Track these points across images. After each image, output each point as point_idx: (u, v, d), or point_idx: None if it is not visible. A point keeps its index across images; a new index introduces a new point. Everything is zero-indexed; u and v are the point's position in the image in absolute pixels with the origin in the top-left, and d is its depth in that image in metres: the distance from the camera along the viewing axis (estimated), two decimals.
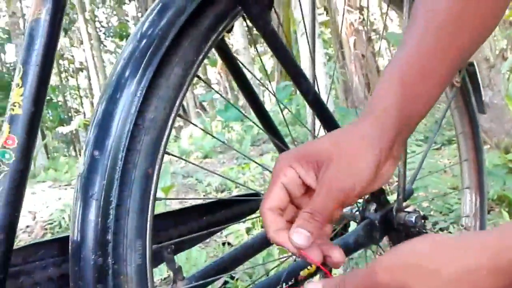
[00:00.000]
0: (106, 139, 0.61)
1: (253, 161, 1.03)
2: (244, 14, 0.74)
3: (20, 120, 0.57)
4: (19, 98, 0.57)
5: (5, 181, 0.56)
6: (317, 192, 0.52)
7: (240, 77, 0.88)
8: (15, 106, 0.57)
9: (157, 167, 0.66)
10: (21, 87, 0.57)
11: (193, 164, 0.86)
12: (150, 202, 0.65)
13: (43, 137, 10.76)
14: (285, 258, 0.88)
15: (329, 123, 0.83)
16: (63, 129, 12.42)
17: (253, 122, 0.88)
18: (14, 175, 0.56)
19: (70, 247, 0.61)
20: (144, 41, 0.66)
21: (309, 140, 1.15)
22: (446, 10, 0.55)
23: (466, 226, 1.29)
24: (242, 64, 0.84)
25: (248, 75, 0.91)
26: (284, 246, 0.53)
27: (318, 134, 0.97)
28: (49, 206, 3.60)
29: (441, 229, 2.17)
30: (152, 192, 0.65)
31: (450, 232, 2.07)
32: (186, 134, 8.00)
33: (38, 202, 3.74)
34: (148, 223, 0.65)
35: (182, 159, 0.79)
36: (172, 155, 0.75)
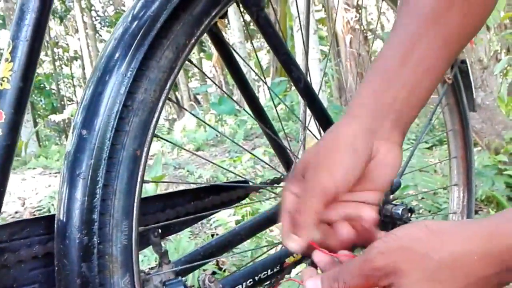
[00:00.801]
0: (95, 118, 0.61)
1: (248, 151, 1.03)
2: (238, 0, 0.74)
3: (8, 95, 0.56)
4: (8, 73, 0.57)
5: None
6: (303, 197, 0.54)
7: (233, 65, 0.88)
8: (3, 81, 0.57)
9: (145, 149, 0.66)
10: (10, 62, 0.57)
11: (187, 150, 0.86)
12: (138, 183, 0.65)
13: (35, 124, 10.68)
14: (272, 246, 0.89)
15: (320, 113, 0.83)
16: (56, 117, 12.35)
17: (248, 114, 0.88)
18: (1, 150, 0.56)
19: (55, 225, 0.61)
20: (136, 22, 0.65)
21: (301, 134, 1.16)
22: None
23: None
24: (235, 51, 0.83)
25: (242, 64, 0.91)
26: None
27: (308, 125, 0.97)
28: (38, 193, 3.59)
29: None
30: (140, 174, 0.65)
31: None
32: (179, 127, 7.98)
33: (28, 189, 3.72)
34: (135, 204, 0.65)
35: (170, 142, 0.78)
36: (162, 138, 0.75)
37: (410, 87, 0.55)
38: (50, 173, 4.57)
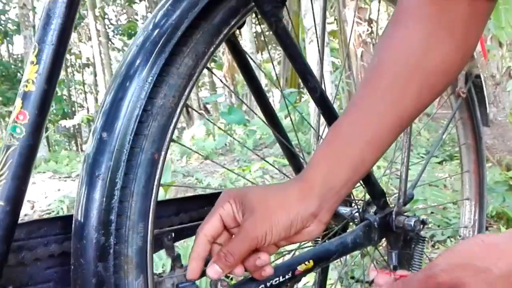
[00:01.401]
0: (115, 122, 0.62)
1: (261, 157, 1.04)
2: (257, 11, 0.76)
3: (32, 97, 0.58)
4: (33, 75, 0.58)
5: (15, 155, 0.57)
6: (236, 236, 0.62)
7: (250, 74, 0.90)
8: (28, 82, 0.58)
9: (163, 153, 0.67)
10: (35, 64, 0.58)
11: (200, 154, 0.86)
12: (155, 187, 0.66)
13: (46, 129, 10.77)
14: (285, 253, 0.89)
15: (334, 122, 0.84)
16: (66, 123, 12.44)
17: (263, 121, 0.89)
18: (23, 149, 0.57)
19: (73, 225, 0.62)
20: (157, 30, 0.67)
21: (313, 143, 1.16)
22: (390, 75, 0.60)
23: (464, 237, 1.29)
24: (252, 60, 0.85)
25: (257, 71, 0.92)
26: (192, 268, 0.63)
27: (322, 134, 0.98)
28: (48, 197, 3.61)
29: (438, 242, 2.17)
30: (157, 177, 0.66)
31: (445, 245, 2.07)
32: (188, 135, 8.01)
33: (38, 192, 3.74)
34: (152, 207, 0.66)
35: (186, 147, 0.79)
36: (178, 143, 0.77)
37: (356, 168, 0.61)
38: (59, 177, 4.60)
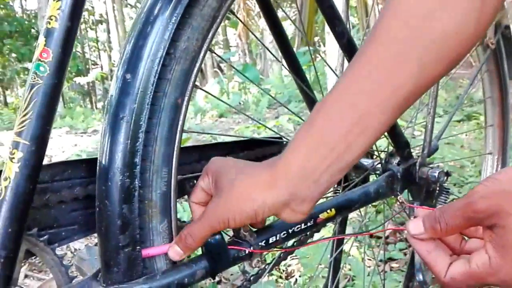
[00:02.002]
0: (139, 62, 0.61)
1: (284, 105, 1.02)
2: None
3: (55, 34, 0.56)
4: (55, 12, 0.56)
5: (39, 93, 0.56)
6: (198, 217, 0.62)
7: (273, 19, 0.87)
8: (51, 19, 0.56)
9: (186, 98, 0.66)
10: (58, 1, 0.57)
11: (231, 106, 0.85)
12: (178, 132, 0.65)
13: None
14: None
15: None
16: (81, 80, 12.48)
17: (287, 69, 0.87)
18: (48, 88, 0.56)
19: (98, 167, 0.62)
20: None
21: None
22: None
23: None
24: (278, 4, 0.82)
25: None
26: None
27: None
28: (65, 151, 3.65)
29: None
30: (180, 123, 0.65)
31: None
32: (202, 93, 7.99)
33: (54, 147, 3.79)
34: (175, 152, 0.65)
35: (209, 93, 0.78)
36: (201, 89, 0.75)
37: (339, 155, 0.54)
38: (76, 133, 4.64)
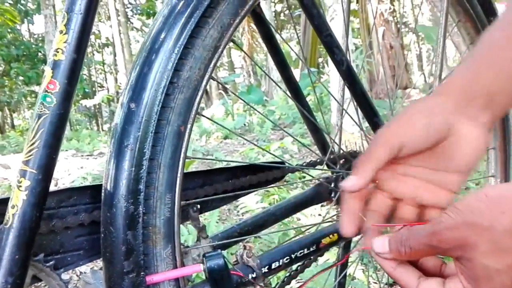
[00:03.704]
0: (143, 92, 0.63)
1: (285, 131, 1.04)
2: None
3: (62, 66, 0.58)
4: (62, 45, 0.59)
5: (46, 123, 0.58)
6: (373, 141, 0.55)
7: (274, 46, 0.89)
8: (58, 52, 0.59)
9: (189, 126, 0.67)
10: (64, 33, 0.59)
11: (235, 132, 0.87)
12: (181, 159, 0.67)
13: None
14: (309, 226, 0.90)
15: (361, 96, 0.83)
16: (87, 102, 12.58)
17: (287, 94, 0.89)
18: (54, 118, 0.58)
19: (103, 194, 0.63)
20: (182, 2, 0.67)
21: (337, 118, 1.15)
22: None
23: None
24: (277, 32, 0.84)
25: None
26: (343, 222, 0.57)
27: (347, 108, 0.97)
28: (71, 174, 3.67)
29: None
30: (183, 150, 0.67)
31: None
32: (207, 115, 8.04)
33: (61, 169, 3.81)
34: (178, 179, 0.66)
35: (213, 121, 0.80)
36: (204, 116, 0.77)
37: (508, 73, 0.53)
38: (82, 155, 4.66)
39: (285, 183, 3.08)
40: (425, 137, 0.54)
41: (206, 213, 2.76)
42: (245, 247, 0.72)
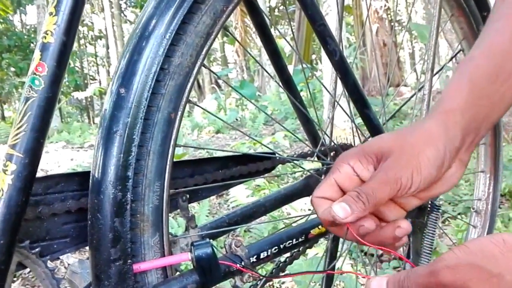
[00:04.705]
0: (133, 78, 0.62)
1: (278, 122, 1.03)
2: None
3: (51, 48, 0.57)
4: (51, 27, 0.57)
5: (33, 107, 0.57)
6: (371, 177, 0.51)
7: (266, 35, 0.88)
8: (47, 34, 0.57)
9: (179, 113, 0.67)
10: (54, 15, 0.58)
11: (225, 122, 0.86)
12: (171, 146, 0.66)
13: (58, 100, 10.82)
14: (299, 218, 0.89)
15: (353, 87, 0.83)
16: (79, 95, 12.50)
17: (279, 84, 0.88)
18: (42, 101, 0.57)
19: (91, 181, 0.62)
20: None
21: (328, 110, 1.15)
22: None
23: (477, 210, 1.28)
24: (270, 20, 0.83)
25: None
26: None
27: (339, 100, 0.97)
28: (61, 166, 3.65)
29: (449, 218, 2.17)
30: (173, 137, 0.66)
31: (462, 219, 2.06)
32: (199, 109, 8.01)
33: (51, 161, 3.78)
34: (168, 166, 0.66)
35: (203, 109, 0.79)
36: (195, 104, 0.76)
37: (494, 104, 0.54)
38: (72, 147, 4.63)
39: (275, 177, 3.08)
40: (436, 174, 0.51)
41: (196, 207, 2.75)
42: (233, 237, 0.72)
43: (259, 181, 3.15)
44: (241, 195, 2.79)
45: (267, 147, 0.95)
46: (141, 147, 0.62)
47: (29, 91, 0.57)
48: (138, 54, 0.63)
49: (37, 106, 0.57)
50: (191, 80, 0.68)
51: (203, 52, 0.69)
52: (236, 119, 6.84)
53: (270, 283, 1.80)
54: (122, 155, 0.61)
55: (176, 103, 0.66)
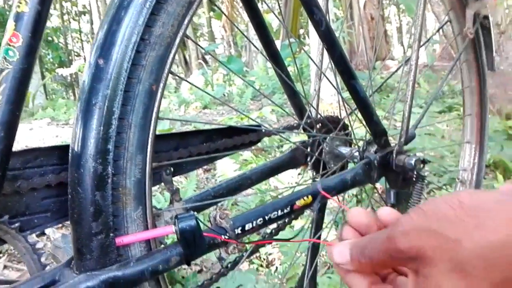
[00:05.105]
0: (112, 48, 0.60)
1: (266, 96, 1.02)
2: None
3: (25, 18, 0.55)
4: None
5: (8, 79, 0.55)
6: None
7: (253, 9, 0.87)
8: (21, 3, 0.55)
9: (161, 84, 0.65)
10: None
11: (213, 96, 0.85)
12: (153, 119, 0.65)
13: (42, 77, 10.65)
14: (285, 189, 0.89)
15: (339, 58, 0.81)
16: (63, 71, 12.29)
17: (266, 57, 0.87)
18: (17, 73, 0.55)
19: (70, 154, 0.61)
20: None
21: (315, 82, 1.14)
22: None
23: (462, 180, 1.29)
24: None
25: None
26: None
27: (325, 71, 0.96)
28: (46, 143, 3.60)
29: (434, 189, 2.19)
30: (155, 110, 0.65)
31: (447, 190, 2.08)
32: (186, 85, 7.94)
33: (35, 138, 3.73)
34: (150, 139, 0.64)
35: (188, 82, 0.77)
36: (177, 76, 0.75)
37: None
38: (57, 124, 4.58)
39: (263, 151, 3.08)
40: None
41: (184, 181, 2.75)
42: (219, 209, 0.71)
43: (247, 155, 3.15)
44: (229, 169, 2.78)
45: (254, 120, 0.94)
46: (122, 119, 0.61)
47: (3, 63, 0.55)
48: (117, 24, 0.61)
49: (12, 78, 0.55)
50: (173, 51, 0.66)
51: (185, 22, 0.67)
52: (224, 95, 6.79)
53: (258, 254, 1.81)
54: (102, 128, 0.59)
55: (157, 74, 0.64)
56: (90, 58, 0.62)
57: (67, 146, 0.64)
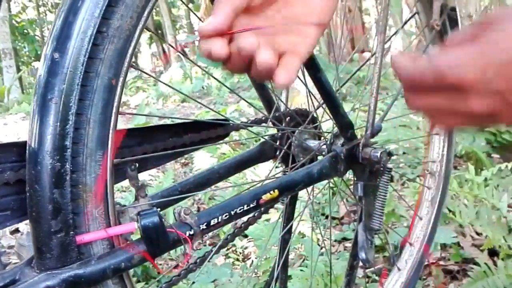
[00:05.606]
0: (68, 41, 0.59)
1: (237, 94, 1.01)
2: None
3: None
4: None
5: None
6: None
7: None
8: None
9: (121, 79, 0.64)
10: None
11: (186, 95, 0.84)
12: (113, 114, 0.63)
13: (18, 71, 10.45)
14: (253, 184, 0.89)
15: None
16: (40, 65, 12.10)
17: None
18: None
19: (27, 151, 0.59)
20: None
21: None
22: None
23: (431, 171, 1.31)
24: None
25: None
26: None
27: None
28: (20, 138, 3.54)
29: (408, 180, 2.21)
30: (115, 104, 0.64)
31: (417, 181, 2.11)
32: (165, 78, 7.89)
33: (10, 133, 3.67)
34: (110, 135, 0.63)
35: (150, 75, 0.76)
36: (139, 69, 0.73)
37: None
38: None
39: (241, 145, 3.07)
40: None
41: (161, 176, 2.73)
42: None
43: (225, 148, 3.14)
44: (206, 163, 2.78)
45: (221, 115, 0.93)
46: (80, 115, 0.60)
47: None
48: (74, 15, 0.59)
49: None
50: (132, 44, 0.65)
51: (145, 14, 0.65)
52: (202, 87, 6.76)
53: (233, 248, 1.81)
54: (58, 123, 0.58)
55: (117, 68, 0.63)
56: (45, 50, 0.61)
57: (25, 143, 0.62)
